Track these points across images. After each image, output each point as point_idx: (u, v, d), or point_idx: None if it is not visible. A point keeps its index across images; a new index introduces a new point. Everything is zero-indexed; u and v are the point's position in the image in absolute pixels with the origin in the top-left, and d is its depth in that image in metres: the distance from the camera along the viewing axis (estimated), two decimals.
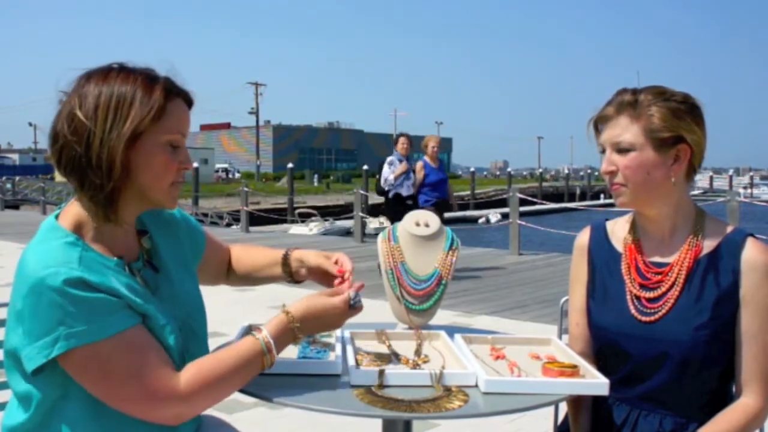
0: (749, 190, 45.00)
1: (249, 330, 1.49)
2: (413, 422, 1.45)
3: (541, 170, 67.96)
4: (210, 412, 1.42)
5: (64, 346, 1.17)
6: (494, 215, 26.79)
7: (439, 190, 8.14)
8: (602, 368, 1.52)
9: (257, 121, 67.70)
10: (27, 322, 1.19)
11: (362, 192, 13.79)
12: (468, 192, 36.77)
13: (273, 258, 1.70)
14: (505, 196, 26.86)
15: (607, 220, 1.73)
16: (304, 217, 21.48)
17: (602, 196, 42.42)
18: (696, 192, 34.96)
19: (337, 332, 1.62)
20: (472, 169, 46.43)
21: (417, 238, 1.84)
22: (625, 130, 1.51)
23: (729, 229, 1.56)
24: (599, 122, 1.58)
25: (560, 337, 1.76)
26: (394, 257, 1.83)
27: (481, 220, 26.63)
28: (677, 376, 1.51)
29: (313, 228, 18.92)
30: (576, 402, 1.63)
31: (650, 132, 1.49)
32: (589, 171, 54.12)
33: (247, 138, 77.87)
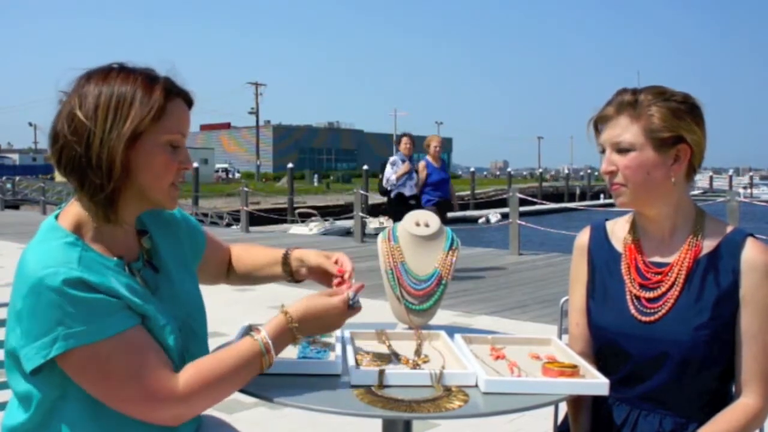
0: (749, 190, 45.01)
1: (249, 330, 1.49)
2: (413, 422, 1.45)
3: (541, 170, 67.97)
4: (210, 412, 1.42)
5: (63, 346, 1.17)
6: (494, 215, 26.80)
7: (441, 190, 8.13)
8: (602, 368, 1.52)
9: (257, 121, 67.71)
10: (26, 321, 1.19)
11: (362, 192, 13.79)
12: (468, 192, 36.77)
13: (273, 257, 1.70)
14: (505, 196, 26.86)
15: (607, 220, 1.73)
16: (304, 217, 21.49)
17: (602, 196, 42.42)
18: (696, 192, 34.96)
19: (337, 332, 1.62)
20: (472, 169, 46.44)
21: (417, 238, 1.84)
22: (625, 130, 1.51)
23: (729, 229, 1.56)
24: (599, 122, 1.58)
25: (560, 337, 1.76)
26: (394, 257, 1.83)
27: (481, 220, 26.64)
28: (677, 376, 1.51)
29: (313, 228, 18.93)
30: (576, 402, 1.63)
31: (650, 132, 1.49)
32: (589, 171, 54.13)
33: (247, 138, 77.87)
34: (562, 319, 1.94)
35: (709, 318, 1.49)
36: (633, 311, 1.55)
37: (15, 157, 61.59)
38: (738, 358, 1.49)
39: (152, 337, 1.28)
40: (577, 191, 47.25)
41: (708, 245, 1.54)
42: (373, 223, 18.85)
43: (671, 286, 1.53)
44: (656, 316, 1.52)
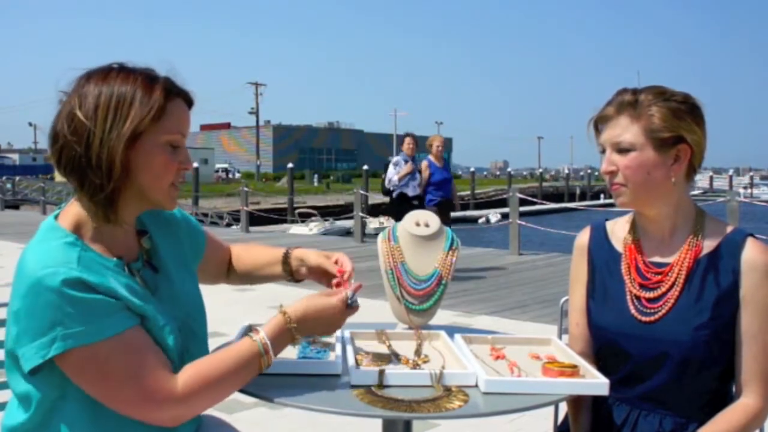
0: (749, 190, 45.01)
1: (249, 330, 1.49)
2: (413, 422, 1.45)
3: (541, 170, 67.96)
4: (210, 412, 1.42)
5: (61, 346, 1.17)
6: (494, 215, 26.80)
7: (443, 190, 8.12)
8: (602, 368, 1.52)
9: (257, 121, 67.72)
10: (24, 321, 1.19)
11: (362, 192, 13.79)
12: (468, 192, 36.78)
13: (273, 257, 1.70)
14: (505, 196, 26.87)
15: (607, 220, 1.73)
16: (305, 217, 21.49)
17: (602, 196, 42.43)
18: (696, 192, 34.97)
19: (337, 332, 1.62)
20: (472, 169, 46.46)
21: (417, 238, 1.84)
22: (625, 130, 1.51)
23: (729, 229, 1.56)
24: (599, 122, 1.58)
25: (560, 337, 1.76)
26: (394, 257, 1.83)
27: (481, 220, 26.65)
28: (677, 376, 1.51)
29: (313, 228, 18.93)
30: (576, 402, 1.63)
31: (650, 132, 1.49)
32: (589, 171, 54.15)
33: (247, 138, 77.89)
34: (562, 319, 1.94)
35: (709, 318, 1.49)
36: (633, 311, 1.55)
37: (15, 157, 61.59)
38: (738, 358, 1.49)
39: (151, 337, 1.28)
40: (577, 191, 47.26)
41: (708, 245, 1.54)
42: (373, 223, 18.85)
43: (671, 286, 1.53)
44: (656, 316, 1.52)
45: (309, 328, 1.39)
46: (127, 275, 1.30)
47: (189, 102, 1.38)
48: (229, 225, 21.63)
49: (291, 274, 1.68)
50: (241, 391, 1.33)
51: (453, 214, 8.71)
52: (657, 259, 1.58)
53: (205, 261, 1.62)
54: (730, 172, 58.49)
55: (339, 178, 57.30)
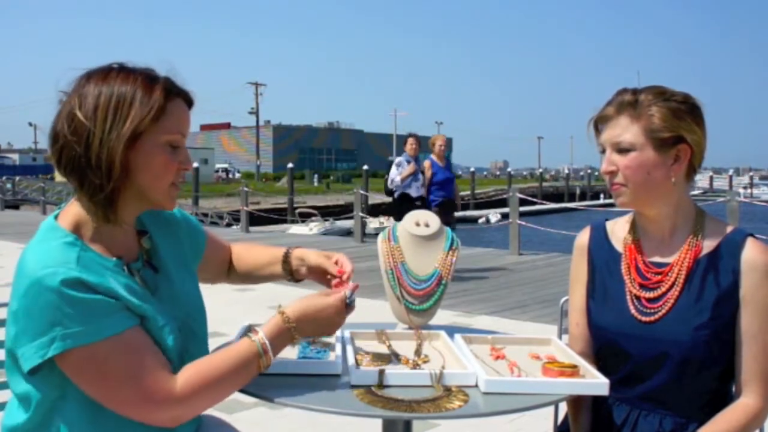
0: (749, 190, 45.02)
1: (249, 330, 1.49)
2: (413, 422, 1.45)
3: (541, 170, 67.98)
4: (210, 412, 1.42)
5: (60, 346, 1.17)
6: (494, 215, 26.80)
7: (445, 189, 8.10)
8: (602, 368, 1.52)
9: (257, 121, 67.73)
10: (24, 321, 1.19)
11: (362, 192, 13.79)
12: (468, 192, 36.78)
13: (274, 256, 1.70)
14: (505, 196, 26.88)
15: (607, 220, 1.73)
16: (305, 217, 21.50)
17: (602, 196, 42.44)
18: (696, 192, 34.97)
19: (337, 332, 1.62)
20: (472, 169, 46.46)
21: (417, 238, 1.84)
22: (625, 130, 1.51)
23: (729, 229, 1.56)
24: (599, 122, 1.58)
25: (560, 337, 1.76)
26: (394, 257, 1.83)
27: (481, 220, 26.65)
28: (677, 376, 1.51)
29: (313, 228, 18.94)
30: (576, 402, 1.63)
31: (650, 132, 1.49)
32: (589, 171, 54.17)
33: (247, 138, 77.92)
34: (562, 319, 1.94)
35: (709, 318, 1.49)
36: (633, 311, 1.55)
37: (15, 157, 61.59)
38: (738, 358, 1.49)
39: (151, 337, 1.27)
40: (577, 191, 47.28)
41: (708, 245, 1.54)
42: (373, 223, 18.85)
43: (671, 286, 1.53)
44: (656, 316, 1.52)
45: (308, 327, 1.38)
46: (126, 275, 1.30)
47: (189, 102, 1.38)
48: (229, 225, 21.63)
49: (291, 273, 1.68)
50: (241, 391, 1.33)
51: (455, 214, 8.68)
52: (657, 259, 1.58)
53: (205, 261, 1.62)
54: (730, 172, 58.51)
55: (339, 178, 57.32)
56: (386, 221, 18.86)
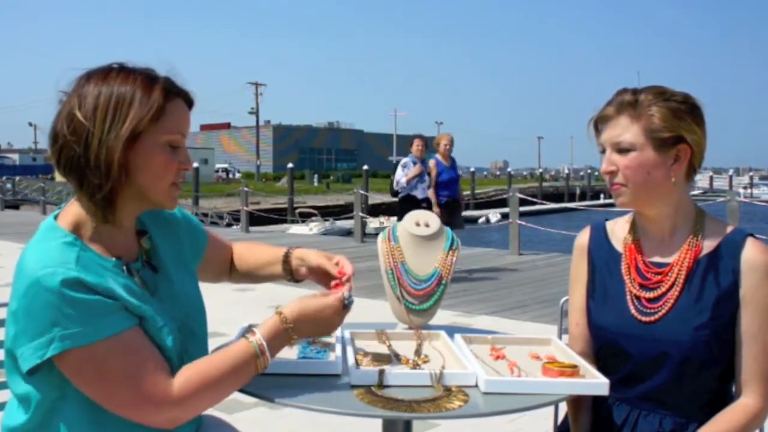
0: (749, 190, 45.04)
1: (249, 330, 1.49)
2: (413, 422, 1.45)
3: (541, 170, 67.98)
4: (210, 412, 1.42)
5: (59, 347, 1.17)
6: (494, 215, 26.81)
7: (450, 189, 8.06)
8: (602, 368, 1.52)
9: (257, 121, 67.74)
10: (23, 321, 1.19)
11: (362, 192, 13.79)
12: (468, 192, 36.78)
13: (274, 256, 1.70)
14: (505, 196, 26.86)
15: (607, 220, 1.73)
16: (305, 217, 21.50)
17: (602, 196, 42.46)
18: (696, 192, 34.98)
19: (337, 332, 1.62)
20: (472, 169, 46.47)
21: (417, 238, 1.84)
22: (625, 130, 1.51)
23: (729, 229, 1.56)
24: (599, 122, 1.58)
25: (560, 337, 1.76)
26: (394, 257, 1.83)
27: (481, 220, 26.65)
28: (677, 376, 1.51)
29: (313, 228, 18.95)
30: (576, 402, 1.63)
31: (650, 132, 1.49)
32: (589, 171, 54.20)
33: (247, 138, 77.97)
34: (562, 319, 1.94)
35: (709, 318, 1.49)
36: (633, 311, 1.55)
37: (15, 157, 61.59)
38: (738, 358, 1.49)
39: (150, 338, 1.27)
40: (577, 191, 47.30)
41: (708, 245, 1.54)
42: (373, 223, 18.86)
43: (671, 286, 1.53)
44: (656, 316, 1.52)
45: (306, 328, 1.38)
46: (125, 275, 1.30)
47: (189, 102, 1.38)
48: (229, 225, 21.63)
49: (291, 273, 1.67)
50: (241, 391, 1.33)
51: None
52: (657, 259, 1.58)
53: (206, 260, 1.62)
54: (730, 172, 58.53)
55: (339, 178, 57.33)
56: (386, 221, 18.87)
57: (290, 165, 29.89)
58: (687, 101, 1.52)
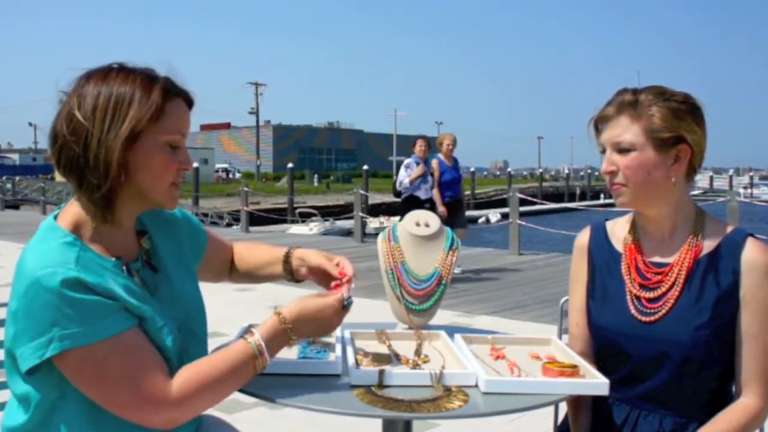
0: (749, 190, 45.06)
1: (248, 330, 1.49)
2: (413, 422, 1.45)
3: (541, 170, 67.99)
4: (210, 412, 1.42)
5: (58, 347, 1.17)
6: (494, 215, 26.80)
7: (452, 189, 8.05)
8: (602, 368, 1.52)
9: (257, 121, 67.75)
10: (23, 321, 1.19)
11: (362, 192, 13.79)
12: (468, 192, 36.77)
13: (274, 256, 1.69)
14: (505, 196, 26.88)
15: (607, 220, 1.73)
16: (305, 217, 21.50)
17: (602, 196, 42.47)
18: (696, 192, 34.99)
19: (337, 332, 1.62)
20: (472, 169, 46.45)
21: (417, 238, 1.84)
22: (625, 130, 1.51)
23: (729, 229, 1.55)
24: (599, 122, 1.58)
25: (560, 337, 1.76)
26: (394, 257, 1.83)
27: (481, 220, 26.63)
28: (677, 376, 1.51)
29: (313, 228, 18.94)
30: (576, 402, 1.63)
31: (651, 132, 1.49)
32: (589, 171, 54.22)
33: (247, 138, 77.99)
34: (562, 319, 1.94)
35: (709, 318, 1.49)
36: (633, 311, 1.55)
37: (15, 157, 61.61)
38: (738, 358, 1.49)
39: (150, 338, 1.27)
40: (577, 191, 47.32)
41: (708, 245, 1.54)
42: (373, 223, 18.86)
43: (671, 286, 1.53)
44: (656, 316, 1.52)
45: (304, 328, 1.38)
46: (125, 276, 1.30)
47: (189, 102, 1.37)
48: (229, 225, 21.64)
49: (291, 273, 1.67)
50: (242, 391, 1.33)
51: None
52: (657, 259, 1.58)
53: (206, 260, 1.62)
54: (730, 172, 58.53)
55: (339, 178, 57.35)
56: (386, 221, 18.87)
57: (290, 165, 29.88)
58: (687, 101, 1.52)
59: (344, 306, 1.41)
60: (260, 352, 1.31)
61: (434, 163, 8.02)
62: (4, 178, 31.28)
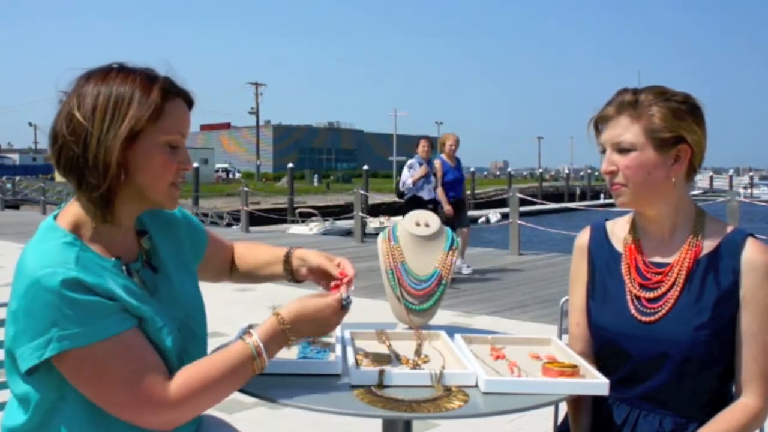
0: (749, 190, 45.06)
1: (247, 331, 1.49)
2: (413, 422, 1.45)
3: (541, 170, 68.00)
4: (210, 411, 1.42)
5: (57, 347, 1.17)
6: (494, 215, 26.79)
7: (455, 190, 8.04)
8: (602, 368, 1.52)
9: (257, 121, 67.74)
10: (22, 321, 1.19)
11: (362, 192, 13.78)
12: (468, 192, 36.73)
13: (275, 256, 1.69)
14: (505, 196, 26.86)
15: (607, 220, 1.73)
16: (305, 217, 21.50)
17: (602, 196, 42.48)
18: (696, 192, 35.00)
19: (337, 332, 1.62)
20: (472, 169, 46.45)
21: (417, 238, 1.84)
22: (625, 130, 1.51)
23: (729, 229, 1.55)
24: (600, 122, 1.58)
25: (560, 337, 1.76)
26: (394, 257, 1.83)
27: (481, 220, 26.63)
28: (677, 376, 1.51)
29: (313, 228, 18.94)
30: (576, 402, 1.63)
31: (651, 132, 1.49)
32: (589, 171, 54.24)
33: (247, 138, 78.01)
34: (562, 319, 1.94)
35: (709, 318, 1.49)
36: (633, 311, 1.55)
37: (15, 157, 61.63)
38: (738, 358, 1.49)
39: (149, 338, 1.27)
40: (577, 191, 47.33)
41: (708, 245, 1.54)
42: (373, 223, 18.86)
43: (671, 286, 1.53)
44: (656, 316, 1.52)
45: (303, 328, 1.37)
46: (125, 276, 1.30)
47: (189, 102, 1.37)
48: (229, 225, 21.63)
49: (291, 273, 1.67)
50: (242, 391, 1.33)
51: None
52: (657, 259, 1.58)
53: (206, 260, 1.62)
54: (730, 172, 58.54)
55: (339, 178, 57.36)
56: (386, 221, 18.87)
57: (290, 165, 29.88)
58: (687, 101, 1.51)
59: (343, 306, 1.41)
60: (259, 353, 1.31)
61: (437, 163, 8.01)
62: (4, 178, 31.28)
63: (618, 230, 1.67)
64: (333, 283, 1.54)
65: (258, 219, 19.29)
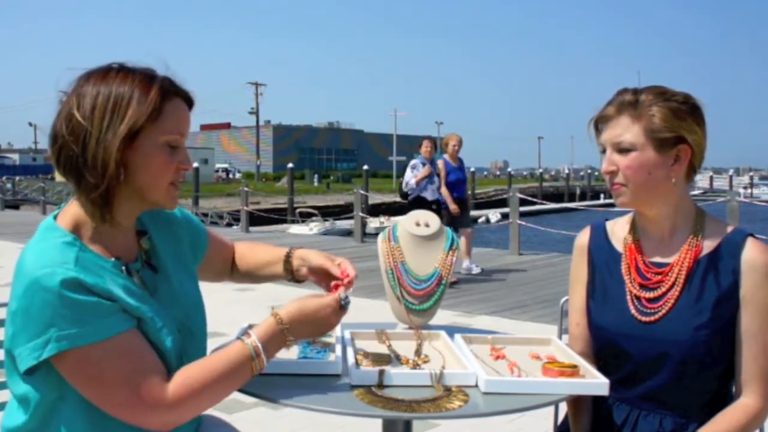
0: (749, 190, 45.07)
1: (246, 332, 1.49)
2: (413, 422, 1.45)
3: (541, 170, 67.98)
4: (210, 411, 1.42)
5: (55, 348, 1.17)
6: (494, 215, 26.79)
7: (457, 190, 8.04)
8: (602, 368, 1.51)
9: (257, 121, 67.73)
10: (21, 321, 1.19)
11: (362, 192, 13.78)
12: (468, 192, 36.72)
13: (275, 256, 1.69)
14: (505, 196, 26.85)
15: (607, 220, 1.73)
16: (305, 217, 21.50)
17: (602, 196, 42.48)
18: (696, 192, 35.00)
19: (337, 332, 1.62)
20: (472, 169, 46.44)
21: (417, 238, 1.84)
22: (625, 130, 1.51)
23: (729, 229, 1.55)
24: (600, 122, 1.58)
25: (560, 337, 1.76)
26: (394, 257, 1.83)
27: (481, 220, 26.62)
28: (677, 376, 1.51)
29: (313, 228, 18.94)
30: (576, 402, 1.63)
31: (651, 132, 1.49)
32: (589, 171, 54.25)
33: (247, 138, 78.01)
34: (562, 319, 1.94)
35: (709, 318, 1.49)
36: (633, 311, 1.55)
37: (15, 157, 61.66)
38: (738, 358, 1.49)
39: (149, 339, 1.27)
40: (577, 191, 47.33)
41: (708, 245, 1.54)
42: (373, 222, 18.85)
43: (671, 286, 1.53)
44: (656, 317, 1.52)
45: (302, 329, 1.37)
46: (124, 276, 1.29)
47: (189, 102, 1.37)
48: (229, 225, 21.63)
49: (292, 273, 1.67)
50: (242, 391, 1.33)
51: None
52: (657, 259, 1.58)
53: (207, 260, 1.62)
54: (730, 172, 58.55)
55: (339, 178, 57.37)
56: (386, 221, 18.87)
57: (290, 165, 29.87)
58: (688, 101, 1.51)
59: (342, 306, 1.41)
60: (257, 353, 1.30)
61: (440, 163, 8.00)
62: (4, 178, 31.29)
63: (618, 230, 1.67)
64: (333, 283, 1.54)
65: (258, 219, 19.29)
